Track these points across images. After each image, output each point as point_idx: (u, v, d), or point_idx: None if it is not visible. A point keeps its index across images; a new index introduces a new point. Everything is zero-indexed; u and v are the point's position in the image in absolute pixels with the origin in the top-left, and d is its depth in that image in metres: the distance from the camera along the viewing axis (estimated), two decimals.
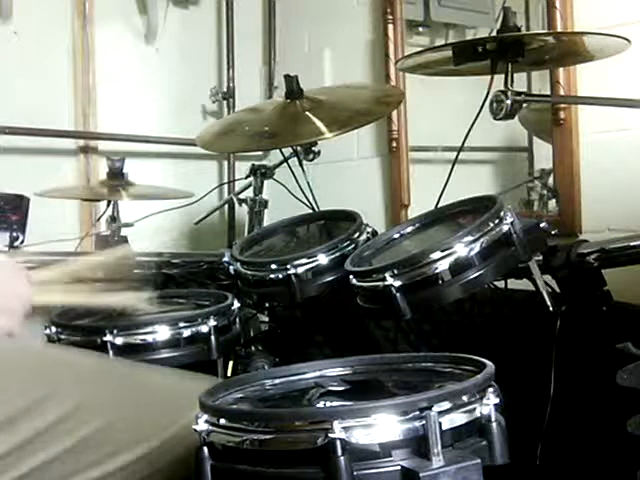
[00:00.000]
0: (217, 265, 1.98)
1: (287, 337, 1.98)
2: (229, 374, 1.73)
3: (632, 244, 1.44)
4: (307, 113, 1.90)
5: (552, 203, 2.12)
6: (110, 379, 1.16)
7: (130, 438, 1.07)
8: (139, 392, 1.15)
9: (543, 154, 2.18)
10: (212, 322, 1.57)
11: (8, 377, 1.03)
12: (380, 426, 0.84)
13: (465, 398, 0.88)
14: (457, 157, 1.76)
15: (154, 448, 1.07)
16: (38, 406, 1.01)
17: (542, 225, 1.35)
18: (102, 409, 1.07)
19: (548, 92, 2.01)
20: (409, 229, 1.55)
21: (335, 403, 0.98)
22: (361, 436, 0.83)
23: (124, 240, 2.22)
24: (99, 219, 2.45)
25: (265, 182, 2.25)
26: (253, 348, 1.87)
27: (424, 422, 0.84)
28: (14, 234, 2.01)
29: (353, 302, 1.40)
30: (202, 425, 0.91)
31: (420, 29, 2.55)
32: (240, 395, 1.04)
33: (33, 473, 0.98)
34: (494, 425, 0.87)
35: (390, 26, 2.44)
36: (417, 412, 0.85)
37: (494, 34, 1.64)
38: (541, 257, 1.46)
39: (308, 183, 2.13)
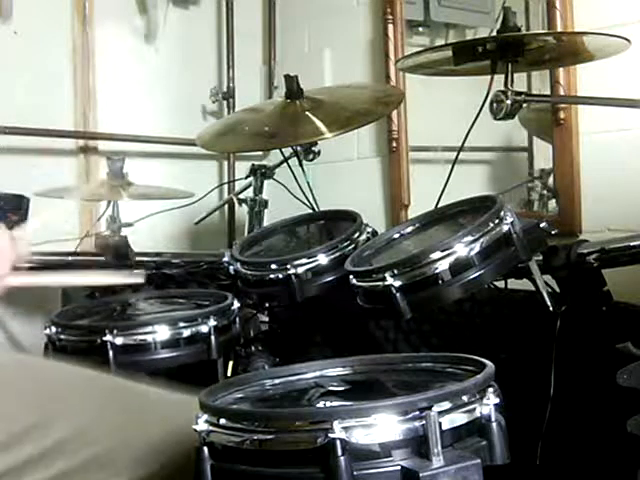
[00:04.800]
0: (217, 265, 1.98)
1: (287, 337, 1.98)
2: (229, 374, 1.73)
3: (632, 244, 1.44)
4: (307, 113, 1.89)
5: (552, 203, 2.12)
6: (113, 400, 1.15)
7: (132, 460, 1.06)
8: (142, 414, 1.14)
9: (543, 154, 2.18)
10: (212, 322, 1.57)
11: (9, 399, 1.03)
12: (380, 426, 0.84)
13: (465, 398, 0.88)
14: (457, 157, 1.76)
15: (156, 469, 1.07)
16: (39, 428, 1.01)
17: (542, 225, 1.35)
18: (104, 432, 1.06)
19: (548, 92, 2.01)
20: (409, 229, 1.54)
21: (335, 403, 0.98)
22: (361, 436, 0.83)
23: (124, 240, 2.21)
24: (99, 219, 2.45)
25: (265, 182, 2.25)
26: (253, 348, 1.87)
27: (424, 422, 0.84)
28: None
29: (353, 302, 1.40)
30: (202, 425, 0.90)
31: (420, 29, 2.55)
32: (240, 395, 1.04)
33: None
34: (494, 425, 0.87)
35: (390, 26, 2.44)
36: (417, 412, 0.85)
37: (494, 34, 1.64)
38: (541, 257, 1.46)
39: (308, 183, 2.13)
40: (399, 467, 0.83)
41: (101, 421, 1.08)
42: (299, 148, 2.09)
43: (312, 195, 2.10)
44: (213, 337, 1.57)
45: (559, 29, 1.95)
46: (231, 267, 1.65)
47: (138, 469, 1.06)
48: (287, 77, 1.97)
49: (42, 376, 1.15)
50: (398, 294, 1.29)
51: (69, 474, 1.01)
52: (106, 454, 1.05)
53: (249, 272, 1.60)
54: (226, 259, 1.69)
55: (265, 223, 2.21)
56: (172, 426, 1.09)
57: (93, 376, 1.21)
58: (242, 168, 2.63)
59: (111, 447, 1.05)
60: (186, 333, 1.56)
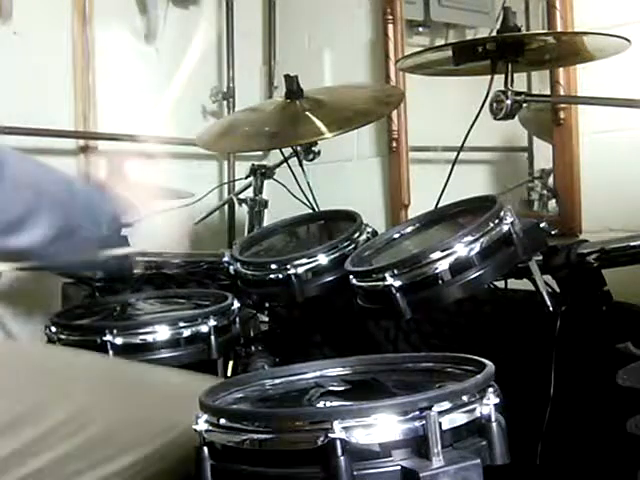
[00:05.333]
0: (217, 265, 1.98)
1: (287, 337, 1.98)
2: (229, 374, 1.73)
3: (632, 244, 1.44)
4: (307, 113, 1.89)
5: (552, 203, 2.12)
6: (112, 381, 1.16)
7: (133, 439, 1.07)
8: (141, 394, 1.15)
9: (543, 154, 2.18)
10: (212, 322, 1.57)
11: (10, 381, 1.03)
12: (380, 426, 0.84)
13: (465, 398, 0.88)
14: (457, 157, 1.76)
15: (156, 449, 1.08)
16: (40, 410, 1.01)
17: (542, 225, 1.35)
18: (104, 412, 1.07)
19: (548, 92, 2.01)
20: (409, 229, 1.55)
21: (335, 403, 0.98)
22: (361, 436, 0.83)
23: (124, 240, 2.21)
24: None
25: (265, 182, 2.25)
26: (253, 348, 1.86)
27: (424, 422, 0.84)
28: None
29: (353, 302, 1.40)
30: (202, 425, 0.91)
31: (420, 29, 2.55)
32: (240, 395, 1.05)
33: (35, 474, 0.98)
34: (494, 425, 0.88)
35: (390, 26, 2.43)
36: (417, 412, 0.85)
37: (494, 34, 1.64)
38: (541, 257, 1.46)
39: (308, 183, 2.13)
40: (399, 467, 0.83)
41: (102, 401, 1.08)
42: (299, 148, 2.09)
43: (312, 195, 2.10)
44: (213, 337, 1.57)
45: (559, 29, 1.95)
46: (231, 267, 1.65)
47: (140, 447, 1.06)
48: (287, 77, 1.97)
49: (42, 359, 1.15)
50: (398, 294, 1.29)
51: (72, 454, 1.01)
52: (108, 434, 1.05)
53: (249, 272, 1.60)
54: (226, 259, 1.69)
55: (265, 223, 2.21)
56: (173, 405, 1.09)
57: (93, 357, 1.22)
58: (242, 168, 2.63)
59: (113, 427, 1.06)
60: (186, 333, 1.56)
